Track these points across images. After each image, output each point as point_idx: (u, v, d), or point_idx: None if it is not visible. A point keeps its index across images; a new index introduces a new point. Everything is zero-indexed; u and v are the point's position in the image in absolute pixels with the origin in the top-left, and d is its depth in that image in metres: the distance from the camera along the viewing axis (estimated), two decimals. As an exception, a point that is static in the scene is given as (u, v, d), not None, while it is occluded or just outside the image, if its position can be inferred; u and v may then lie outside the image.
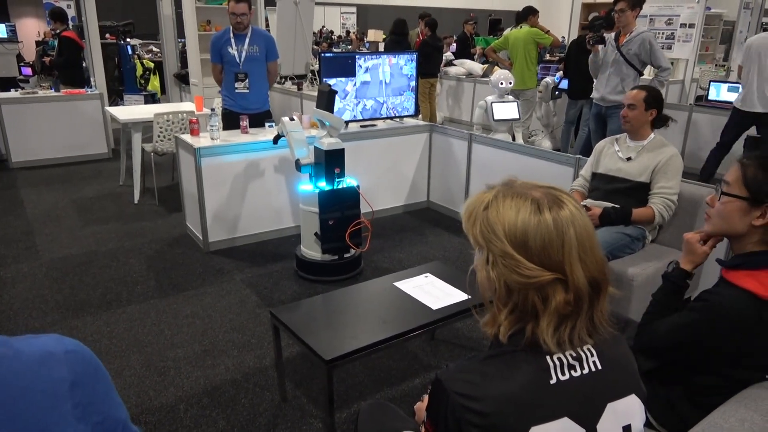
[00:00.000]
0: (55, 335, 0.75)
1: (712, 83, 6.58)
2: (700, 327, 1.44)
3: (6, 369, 0.66)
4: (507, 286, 0.93)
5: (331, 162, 3.44)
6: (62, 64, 6.73)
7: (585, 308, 0.93)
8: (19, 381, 0.67)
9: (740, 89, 5.07)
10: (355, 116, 4.48)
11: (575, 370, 0.94)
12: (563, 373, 0.93)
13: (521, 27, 6.61)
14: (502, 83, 5.31)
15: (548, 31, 6.68)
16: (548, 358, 0.93)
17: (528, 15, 6.56)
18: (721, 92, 5.92)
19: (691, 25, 7.48)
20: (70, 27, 7.24)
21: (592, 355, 0.96)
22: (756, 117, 4.94)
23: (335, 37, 13.47)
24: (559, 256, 0.91)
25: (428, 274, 2.61)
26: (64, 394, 0.70)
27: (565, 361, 0.93)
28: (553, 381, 0.92)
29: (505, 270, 0.92)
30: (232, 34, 4.33)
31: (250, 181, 4.07)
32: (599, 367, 0.96)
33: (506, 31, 7.94)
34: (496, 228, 0.93)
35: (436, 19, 7.90)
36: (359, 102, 4.45)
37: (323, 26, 14.11)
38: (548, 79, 6.93)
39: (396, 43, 7.73)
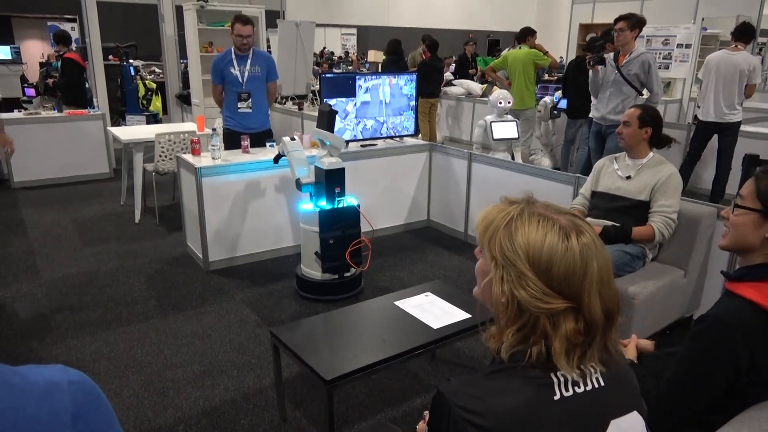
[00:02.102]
0: (59, 365, 0.75)
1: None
2: (705, 353, 1.38)
3: (13, 398, 0.66)
4: (519, 306, 0.92)
5: (331, 181, 3.46)
6: (65, 85, 6.81)
7: (598, 338, 0.93)
8: (24, 411, 0.67)
9: (702, 102, 5.51)
10: (355, 136, 4.50)
11: (579, 387, 0.93)
12: (567, 389, 0.92)
13: (520, 47, 6.67)
14: (501, 103, 5.35)
15: (547, 51, 6.74)
16: (552, 374, 0.92)
17: (526, 36, 6.62)
18: (718, 111, 5.95)
19: (688, 45, 7.57)
20: (73, 49, 7.33)
21: (595, 372, 0.95)
22: (715, 126, 5.30)
23: (336, 58, 13.60)
24: (578, 287, 0.91)
25: (429, 293, 2.61)
26: (66, 425, 0.70)
27: (569, 377, 0.92)
28: (557, 397, 0.91)
29: (520, 291, 0.91)
30: (234, 55, 4.39)
31: (251, 201, 4.09)
32: (602, 383, 0.95)
33: (504, 51, 8.03)
34: (519, 249, 0.92)
35: (437, 40, 8.00)
36: (359, 122, 4.49)
37: (324, 47, 14.27)
38: (547, 98, 6.99)
39: (393, 63, 7.81)
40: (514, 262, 0.92)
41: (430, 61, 7.85)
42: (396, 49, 7.90)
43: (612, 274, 0.95)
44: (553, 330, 0.91)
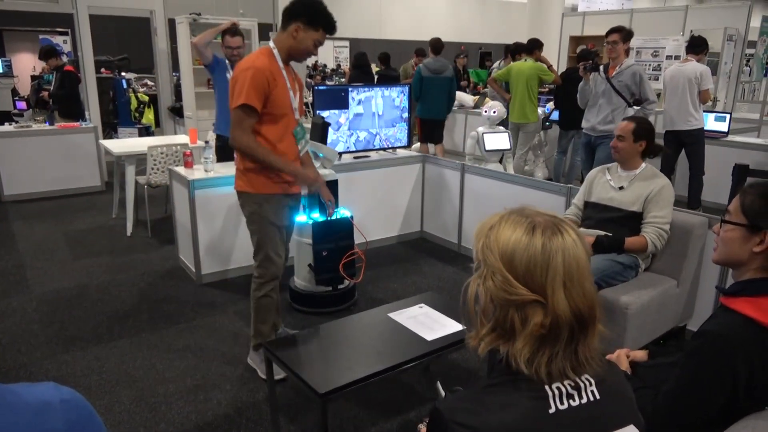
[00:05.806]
0: (51, 383, 0.74)
1: (698, 113, 6.68)
2: (702, 368, 1.37)
3: (8, 417, 0.66)
4: (492, 300, 0.95)
5: (324, 193, 3.45)
6: (63, 97, 6.80)
7: (564, 338, 0.92)
8: (16, 431, 0.66)
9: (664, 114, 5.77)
10: (348, 147, 4.51)
11: (574, 400, 0.93)
12: (562, 403, 0.92)
13: (525, 60, 6.53)
14: (485, 111, 5.40)
15: (551, 65, 6.70)
16: (547, 387, 0.92)
17: (533, 49, 6.46)
18: (708, 122, 6.01)
19: (677, 57, 7.66)
20: (65, 61, 7.33)
21: (590, 384, 0.95)
22: (682, 135, 5.48)
23: (328, 70, 13.66)
24: (542, 280, 0.92)
25: (422, 305, 2.60)
26: None
27: (564, 390, 0.93)
28: (552, 410, 0.91)
29: (492, 285, 0.94)
30: (229, 64, 4.43)
31: (244, 213, 4.06)
32: (597, 396, 0.95)
33: (495, 64, 8.10)
34: (493, 245, 0.96)
35: (389, 53, 8.65)
36: (352, 133, 4.50)
37: (316, 60, 14.31)
38: (539, 110, 7.03)
39: (363, 74, 7.95)
40: (489, 258, 0.96)
41: (385, 72, 8.29)
42: (364, 62, 8.15)
43: (586, 275, 0.95)
44: (521, 326, 0.92)
